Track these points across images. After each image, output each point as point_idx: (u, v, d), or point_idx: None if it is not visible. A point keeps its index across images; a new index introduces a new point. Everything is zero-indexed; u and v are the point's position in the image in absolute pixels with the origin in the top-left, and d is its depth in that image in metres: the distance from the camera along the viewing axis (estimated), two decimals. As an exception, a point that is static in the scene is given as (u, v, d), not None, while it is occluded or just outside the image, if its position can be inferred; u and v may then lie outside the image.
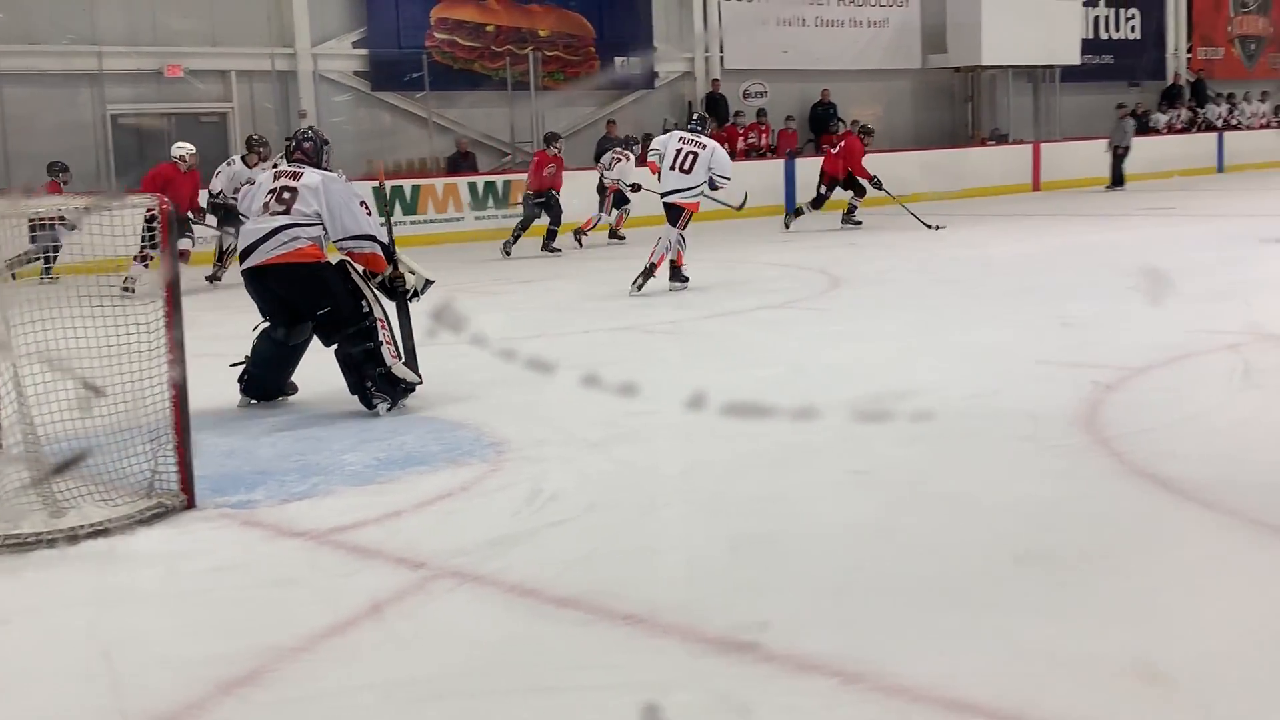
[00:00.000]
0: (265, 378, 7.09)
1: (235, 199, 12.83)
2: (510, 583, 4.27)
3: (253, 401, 7.12)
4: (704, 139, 11.61)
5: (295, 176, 6.85)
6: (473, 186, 18.21)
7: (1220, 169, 26.89)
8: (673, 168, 11.46)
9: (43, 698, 3.59)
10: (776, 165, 20.95)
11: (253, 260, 6.78)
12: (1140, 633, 3.73)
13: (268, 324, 7.01)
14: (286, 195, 6.78)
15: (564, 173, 15.90)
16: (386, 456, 5.96)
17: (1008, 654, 3.59)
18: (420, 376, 6.94)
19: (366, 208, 6.84)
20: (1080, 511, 4.89)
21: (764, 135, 21.93)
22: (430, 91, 19.12)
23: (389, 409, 6.73)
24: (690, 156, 11.40)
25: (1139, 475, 5.31)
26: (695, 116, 12.53)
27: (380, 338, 6.73)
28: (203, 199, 13.92)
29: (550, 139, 16.13)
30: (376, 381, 6.73)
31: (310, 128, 7.44)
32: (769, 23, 22.71)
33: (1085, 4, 26.51)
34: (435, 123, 19.35)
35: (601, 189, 16.89)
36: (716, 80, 21.99)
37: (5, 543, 4.76)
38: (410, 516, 5.08)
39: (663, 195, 11.62)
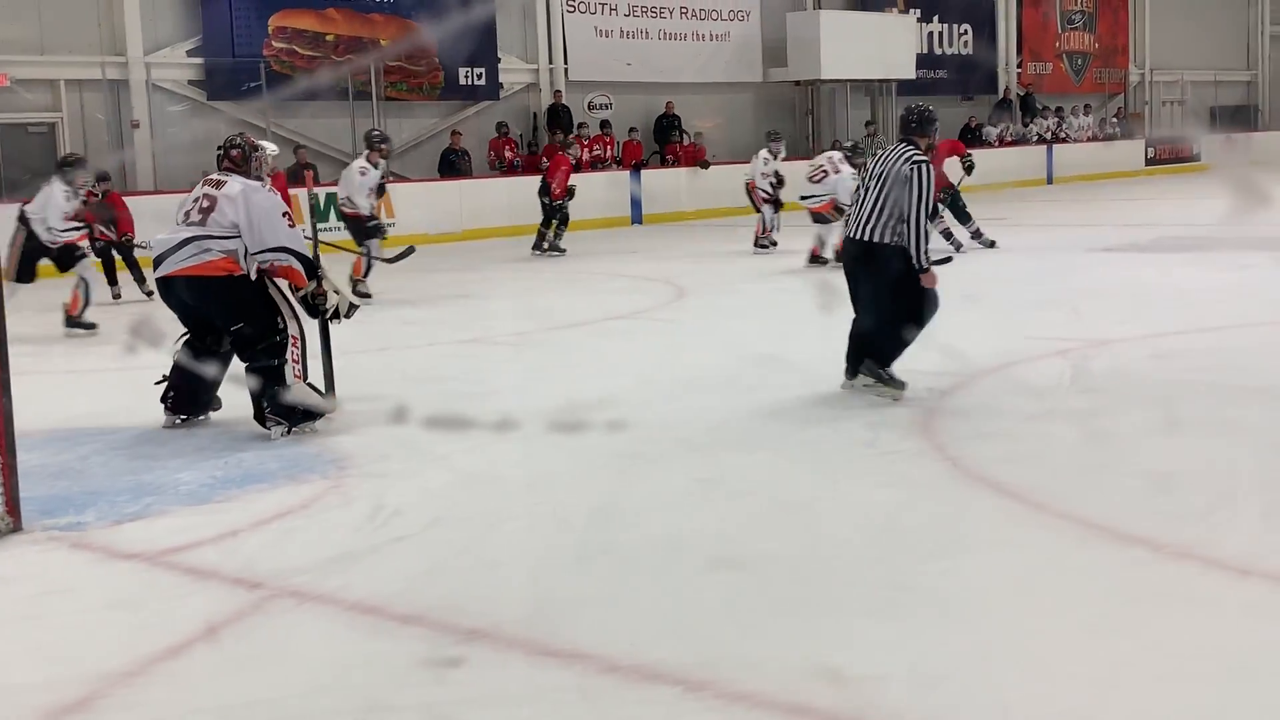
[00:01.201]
0: (193, 391, 6.78)
1: (357, 207, 12.25)
2: (351, 601, 4.21)
3: (180, 420, 6.78)
4: (843, 165, 13.49)
5: (218, 185, 6.63)
6: (313, 197, 17.90)
7: (1050, 180, 27.79)
8: (809, 178, 13.74)
9: None
10: (622, 177, 21.04)
11: (162, 270, 6.57)
12: (976, 632, 3.83)
13: (187, 336, 6.76)
14: (205, 204, 6.56)
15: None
16: (223, 475, 5.83)
17: (848, 657, 3.65)
18: (331, 401, 6.70)
19: (289, 220, 6.63)
20: (916, 516, 5.00)
21: (609, 147, 22.02)
22: (269, 101, 18.78)
23: (284, 433, 6.41)
24: (823, 173, 13.55)
25: (973, 479, 5.45)
26: (850, 144, 14.85)
27: (287, 355, 6.50)
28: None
29: (566, 143, 16.70)
30: (272, 403, 6.45)
31: (240, 134, 7.12)
32: (613, 35, 22.81)
33: (920, 20, 27.19)
34: (274, 133, 19.00)
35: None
36: (559, 91, 22.00)
37: None
38: (248, 536, 4.97)
39: (801, 198, 13.89)
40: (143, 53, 18.01)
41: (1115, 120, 31.76)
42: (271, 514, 5.22)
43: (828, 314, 7.34)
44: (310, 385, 6.59)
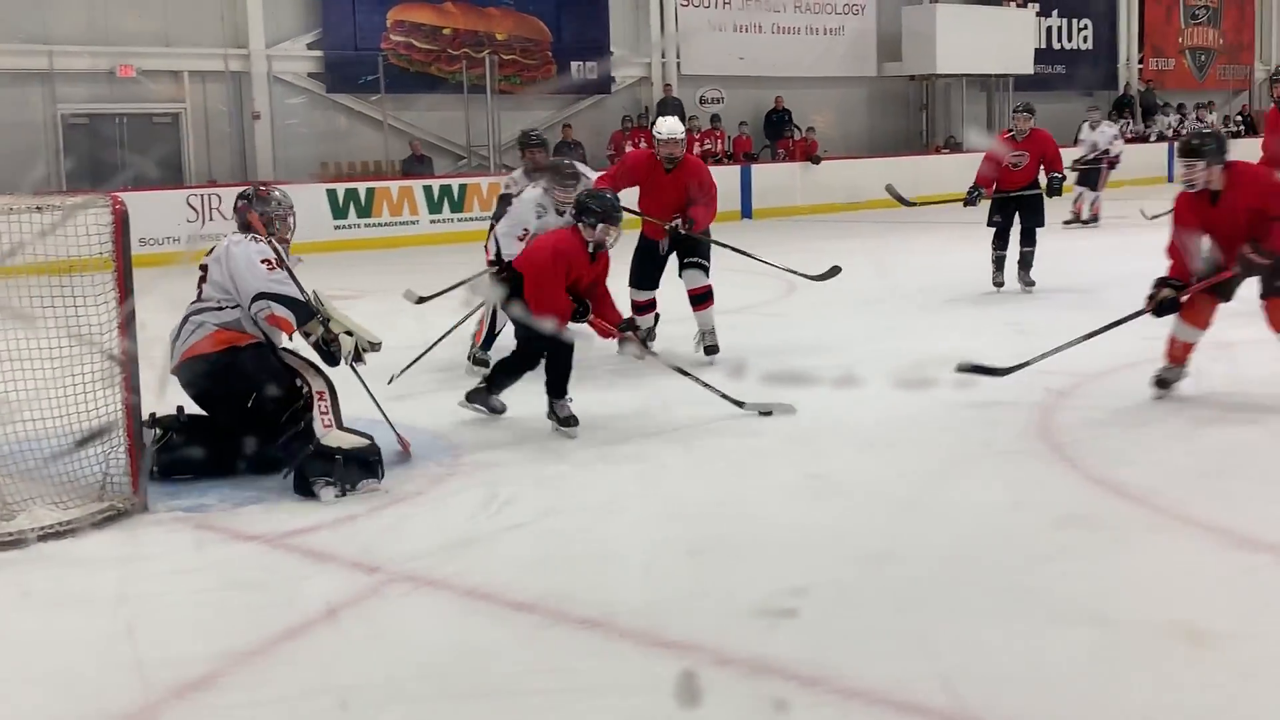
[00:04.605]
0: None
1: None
2: (466, 587, 4.26)
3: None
4: None
5: (209, 252, 5.91)
6: (428, 190, 18.14)
7: (1171, 179, 27.16)
8: None
9: (-8, 703, 3.55)
10: (733, 171, 21.00)
11: (171, 369, 5.78)
12: (1093, 636, 3.76)
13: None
14: (200, 274, 5.84)
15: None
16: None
17: (963, 657, 3.62)
18: (369, 438, 5.57)
19: (271, 264, 5.65)
20: (1034, 516, 4.93)
21: (719, 141, 21.98)
22: (386, 94, 19.04)
23: (339, 494, 5.34)
24: None
25: (1092, 480, 5.36)
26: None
27: (315, 410, 5.57)
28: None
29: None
30: (309, 466, 5.41)
31: (251, 186, 6.33)
32: (726, 29, 22.75)
33: (1038, 14, 26.76)
34: (391, 125, 19.27)
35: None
36: (669, 85, 21.99)
37: (-47, 546, 4.67)
38: (365, 520, 5.06)
39: None
40: (264, 45, 18.37)
41: (1239, 118, 30.96)
42: (388, 500, 5.30)
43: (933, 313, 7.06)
44: (347, 429, 5.57)
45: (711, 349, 8.40)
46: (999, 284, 10.96)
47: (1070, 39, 28.16)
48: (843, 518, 4.99)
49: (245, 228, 5.90)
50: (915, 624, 3.90)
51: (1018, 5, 26.20)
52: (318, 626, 3.97)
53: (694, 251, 8.52)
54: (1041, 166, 11.06)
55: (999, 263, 10.97)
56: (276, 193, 6.09)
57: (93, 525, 4.94)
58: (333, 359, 5.73)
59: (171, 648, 3.81)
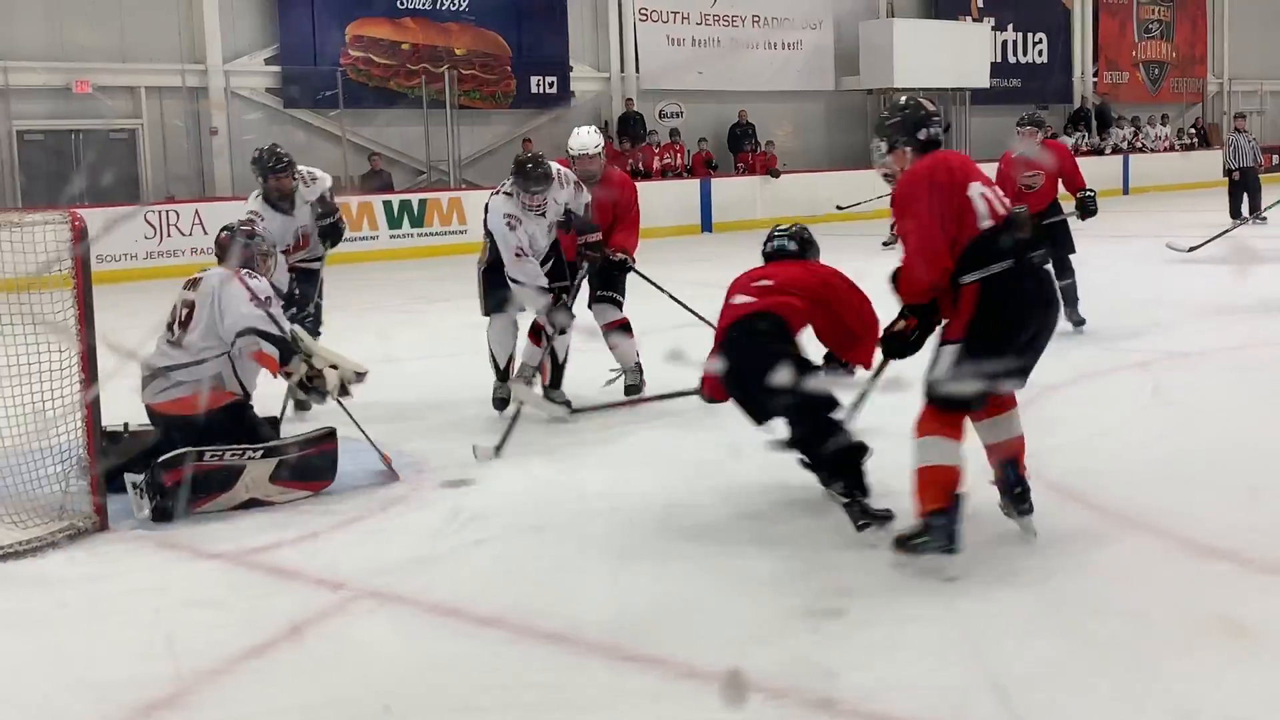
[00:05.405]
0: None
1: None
2: (432, 602, 4.25)
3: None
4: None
5: (194, 285, 5.73)
6: (388, 205, 18.10)
7: (1126, 191, 27.43)
8: None
9: (-48, 725, 3.51)
10: (693, 185, 21.06)
11: (144, 398, 5.72)
12: (1057, 643, 3.79)
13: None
14: (184, 316, 5.66)
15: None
16: (304, 476, 5.88)
17: (932, 667, 3.63)
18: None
19: (260, 300, 5.58)
20: (995, 526, 4.95)
21: (679, 155, 22.03)
22: (344, 109, 18.97)
23: (141, 490, 5.27)
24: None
25: (1052, 490, 5.38)
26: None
27: (206, 454, 5.34)
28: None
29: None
30: (146, 478, 5.29)
31: (237, 222, 6.14)
32: (684, 43, 22.82)
33: (994, 28, 26.98)
34: (349, 141, 19.20)
35: None
36: (629, 100, 22.05)
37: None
38: (329, 537, 5.04)
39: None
40: (222, 61, 18.27)
41: (1193, 131, 31.30)
42: (352, 516, 5.28)
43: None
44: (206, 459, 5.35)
45: (633, 388, 7.55)
46: None
47: (1025, 53, 28.40)
48: (807, 528, 4.99)
49: (240, 263, 5.81)
50: (883, 634, 3.91)
51: (974, 20, 26.42)
52: (282, 644, 3.94)
53: (608, 284, 7.70)
54: (1060, 184, 9.49)
55: None
56: (259, 229, 6.10)
57: (52, 544, 4.89)
58: (319, 395, 5.72)
59: (135, 667, 3.78)
